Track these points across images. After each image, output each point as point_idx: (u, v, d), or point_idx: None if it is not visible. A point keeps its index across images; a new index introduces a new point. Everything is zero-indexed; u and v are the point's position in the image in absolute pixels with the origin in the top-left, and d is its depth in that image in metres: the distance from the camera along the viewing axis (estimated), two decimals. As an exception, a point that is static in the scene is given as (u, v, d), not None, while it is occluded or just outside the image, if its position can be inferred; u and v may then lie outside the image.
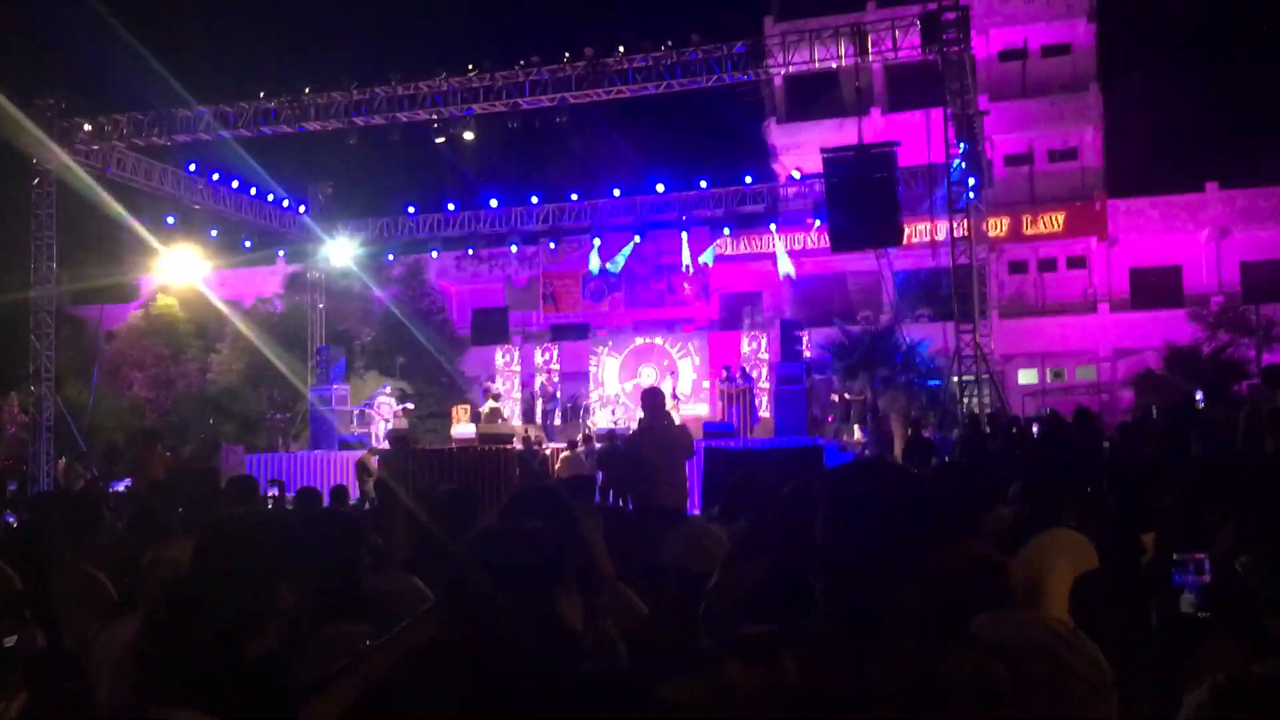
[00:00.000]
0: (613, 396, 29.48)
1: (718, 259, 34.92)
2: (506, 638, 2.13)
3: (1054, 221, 34.88)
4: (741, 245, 34.34)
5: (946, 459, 13.99)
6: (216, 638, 2.46)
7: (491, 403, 24.52)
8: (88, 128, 22.74)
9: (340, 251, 29.73)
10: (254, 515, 2.82)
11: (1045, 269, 35.78)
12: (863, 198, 20.93)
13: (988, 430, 16.80)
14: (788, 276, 35.35)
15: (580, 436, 24.28)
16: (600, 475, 19.71)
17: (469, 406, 29.11)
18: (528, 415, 31.92)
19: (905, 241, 25.60)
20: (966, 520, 3.21)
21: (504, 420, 25.12)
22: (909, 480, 2.09)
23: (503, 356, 33.86)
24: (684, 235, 29.90)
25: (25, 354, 22.96)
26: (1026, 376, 34.88)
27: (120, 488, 18.20)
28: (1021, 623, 2.22)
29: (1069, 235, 34.90)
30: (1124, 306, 34.74)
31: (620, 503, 17.83)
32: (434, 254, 32.17)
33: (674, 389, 26.32)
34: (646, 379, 30.57)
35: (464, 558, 2.25)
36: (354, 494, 21.02)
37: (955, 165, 22.52)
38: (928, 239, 30.37)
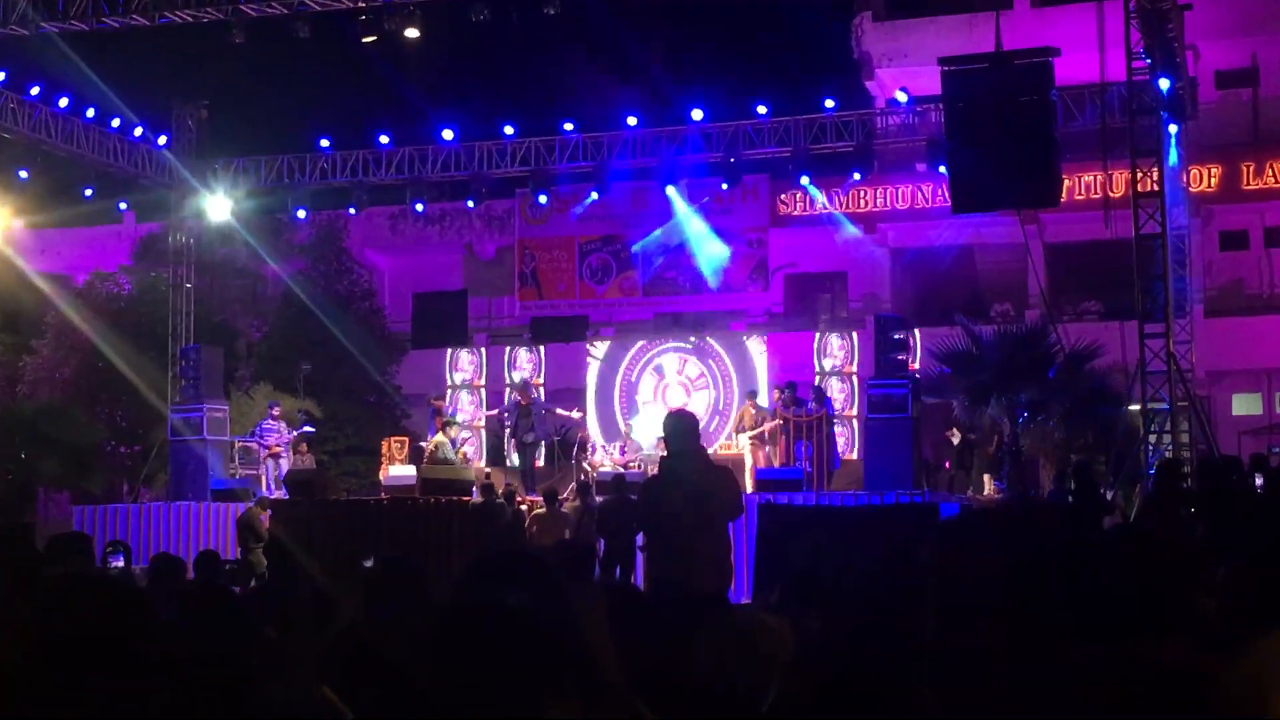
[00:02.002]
0: (622, 426, 29.49)
1: (783, 223, 35.00)
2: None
3: (1289, 172, 34.74)
4: (818, 202, 34.38)
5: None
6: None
7: (441, 436, 24.57)
8: None
9: (218, 205, 29.88)
10: (99, 581, 2.85)
11: (1276, 243, 35.64)
12: (1001, 133, 20.90)
13: (1186, 483, 16.75)
14: (886, 249, 35.38)
15: (572, 485, 24.25)
16: (602, 542, 19.74)
17: (406, 440, 29.13)
18: (495, 453, 31.94)
19: (1065, 200, 25.53)
20: (1154, 609, 3.21)
21: (459, 459, 25.17)
22: (1069, 539, 2.10)
23: (459, 364, 33.94)
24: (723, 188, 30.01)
25: None
26: (1245, 405, 34.70)
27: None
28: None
29: (1311, 193, 34.72)
30: (1394, 301, 34.55)
31: (630, 581, 17.79)
32: (355, 209, 32.26)
33: (745, 424, 26.29)
34: (673, 398, 30.60)
35: (409, 645, 2.27)
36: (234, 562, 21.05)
37: (1141, 85, 22.46)
38: (1098, 195, 30.27)
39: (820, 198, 33.50)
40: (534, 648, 2.31)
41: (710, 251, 34.57)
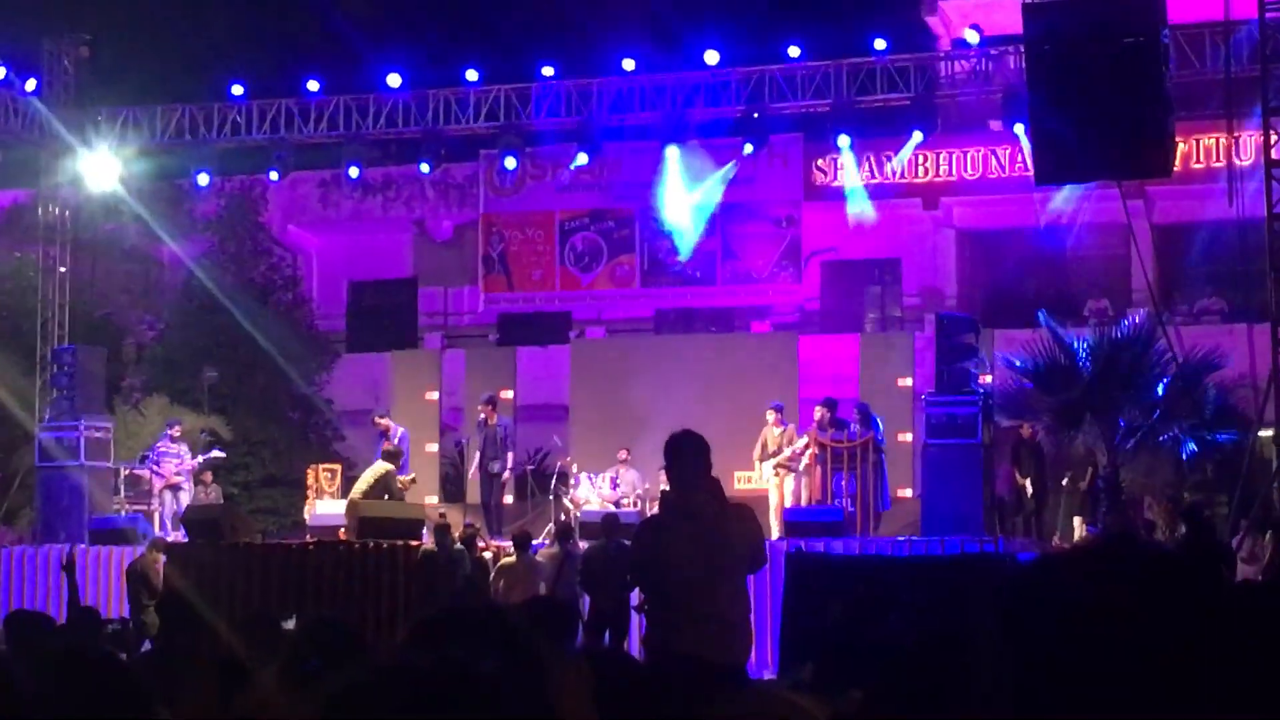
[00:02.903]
0: (614, 453, 29.45)
1: (821, 195, 34.98)
2: None
3: None
4: (865, 169, 34.35)
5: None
6: None
7: (384, 464, 24.56)
8: None
9: (102, 168, 29.80)
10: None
11: None
12: (1098, 84, 20.90)
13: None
14: (951, 230, 35.35)
15: (549, 527, 24.21)
16: (587, 599, 19.69)
17: (339, 468, 29.08)
18: (452, 486, 31.83)
19: (1178, 169, 25.49)
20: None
21: (403, 492, 25.15)
22: (1187, 589, 2.11)
23: (406, 372, 33.87)
24: (746, 149, 29.91)
25: None
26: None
27: None
28: None
29: None
30: None
31: (623, 648, 17.75)
32: (272, 175, 32.17)
33: (769, 448, 25.95)
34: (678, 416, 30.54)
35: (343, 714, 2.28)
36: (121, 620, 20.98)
37: (1276, 24, 22.44)
38: (1220, 164, 30.24)
39: (850, 164, 33.08)
40: (504, 712, 2.32)
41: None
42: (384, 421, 27.68)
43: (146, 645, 18.66)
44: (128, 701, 4.01)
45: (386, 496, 23.85)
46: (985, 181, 34.29)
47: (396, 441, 26.14)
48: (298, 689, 4.50)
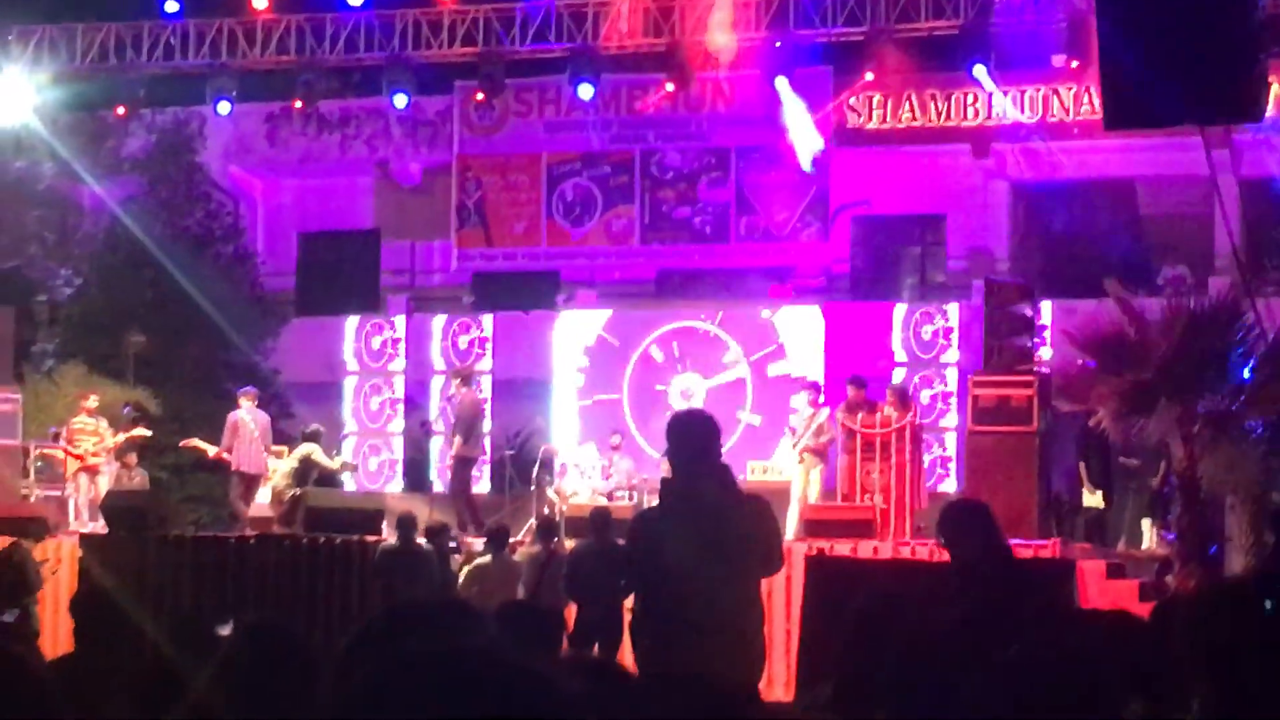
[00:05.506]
0: (606, 437, 29.46)
1: (854, 139, 34.93)
2: None
3: None
4: (904, 110, 34.32)
5: None
6: None
7: (307, 445, 24.55)
8: None
9: (12, 97, 29.74)
10: None
11: None
12: (1177, 12, 20.85)
13: None
14: (1004, 183, 35.28)
15: (530, 522, 24.23)
16: (574, 606, 19.70)
17: (285, 451, 29.13)
18: (415, 474, 31.86)
19: (1272, 113, 25.47)
20: None
21: (337, 476, 25.20)
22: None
23: (364, 338, 33.88)
24: (783, 82, 29.89)
25: None
26: None
27: None
28: None
29: None
30: None
31: (614, 659, 17.81)
32: (222, 107, 32.14)
33: (797, 432, 25.79)
34: (681, 395, 30.57)
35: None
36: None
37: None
38: (1319, 108, 30.27)
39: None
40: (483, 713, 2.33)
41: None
42: (247, 394, 27.52)
43: None
44: (34, 708, 4.02)
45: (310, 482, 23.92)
46: (1044, 126, 34.21)
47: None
48: (238, 704, 4.51)
